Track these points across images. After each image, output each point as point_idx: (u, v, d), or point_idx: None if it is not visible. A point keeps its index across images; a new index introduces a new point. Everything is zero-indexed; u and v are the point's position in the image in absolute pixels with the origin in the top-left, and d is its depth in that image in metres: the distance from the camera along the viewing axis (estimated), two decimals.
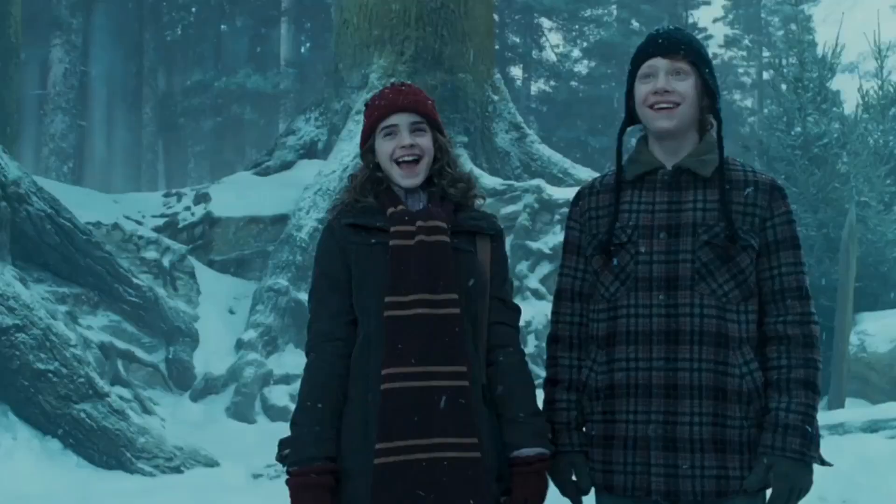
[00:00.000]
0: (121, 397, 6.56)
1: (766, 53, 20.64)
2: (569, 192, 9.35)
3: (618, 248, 2.08)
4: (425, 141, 2.11)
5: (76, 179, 13.61)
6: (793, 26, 21.46)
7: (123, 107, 14.38)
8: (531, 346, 8.40)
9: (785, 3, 21.64)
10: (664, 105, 2.05)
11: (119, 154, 14.74)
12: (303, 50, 17.65)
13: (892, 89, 13.63)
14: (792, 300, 2.05)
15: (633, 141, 2.25)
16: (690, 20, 14.96)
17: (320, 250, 2.12)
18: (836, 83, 11.58)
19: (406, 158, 2.09)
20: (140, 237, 8.26)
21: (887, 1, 27.50)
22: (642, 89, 2.09)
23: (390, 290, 2.00)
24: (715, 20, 21.24)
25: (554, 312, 2.19)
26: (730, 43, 21.77)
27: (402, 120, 2.09)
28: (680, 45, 2.08)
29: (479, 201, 2.18)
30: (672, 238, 2.05)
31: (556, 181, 10.05)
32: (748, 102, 20.73)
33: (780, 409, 2.01)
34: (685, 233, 2.04)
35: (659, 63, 2.07)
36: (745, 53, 22.14)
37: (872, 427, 4.76)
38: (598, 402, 2.08)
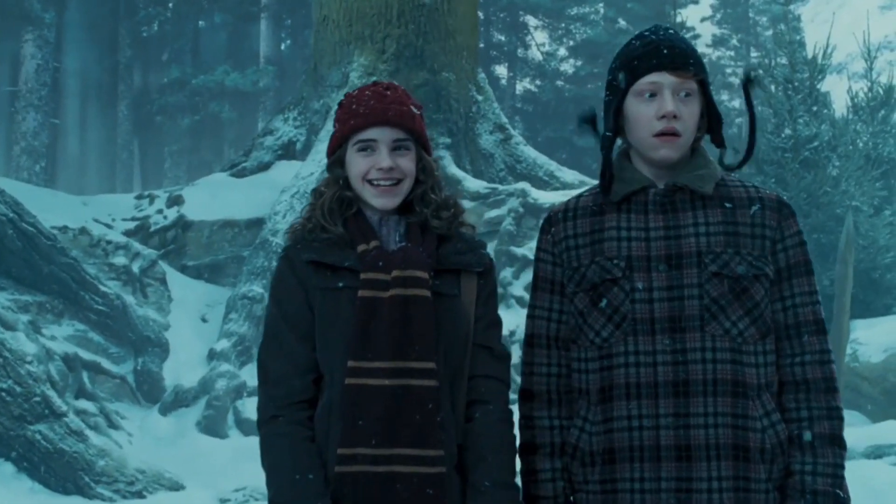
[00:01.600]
0: (85, 412, 6.35)
1: (754, 54, 20.53)
2: (555, 197, 9.16)
3: (608, 285, 1.79)
4: (407, 162, 1.80)
5: (49, 179, 13.28)
6: (782, 26, 21.44)
7: (98, 104, 14.03)
8: (516, 355, 8.17)
9: (773, 2, 21.56)
10: (671, 133, 1.76)
11: (93, 153, 14.38)
12: (283, 47, 17.43)
13: (881, 91, 13.54)
14: (809, 336, 1.80)
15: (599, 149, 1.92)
16: (679, 19, 14.76)
17: (279, 287, 1.78)
18: (824, 85, 11.47)
19: (382, 183, 1.78)
20: (108, 242, 7.95)
21: (875, 1, 27.57)
22: (643, 110, 1.78)
23: (353, 353, 1.68)
24: (703, 19, 21.12)
25: (526, 363, 1.87)
26: (717, 43, 21.66)
27: (383, 136, 1.78)
28: (688, 57, 1.77)
29: (465, 229, 1.86)
30: (674, 270, 1.77)
31: (542, 184, 9.85)
32: (736, 103, 20.63)
33: (805, 473, 1.74)
34: (689, 263, 1.77)
35: (664, 80, 1.76)
36: (732, 53, 22.03)
37: (876, 453, 4.53)
38: (595, 468, 1.78)
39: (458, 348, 1.76)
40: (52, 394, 5.38)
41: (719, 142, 1.87)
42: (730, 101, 20.30)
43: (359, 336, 1.68)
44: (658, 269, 1.76)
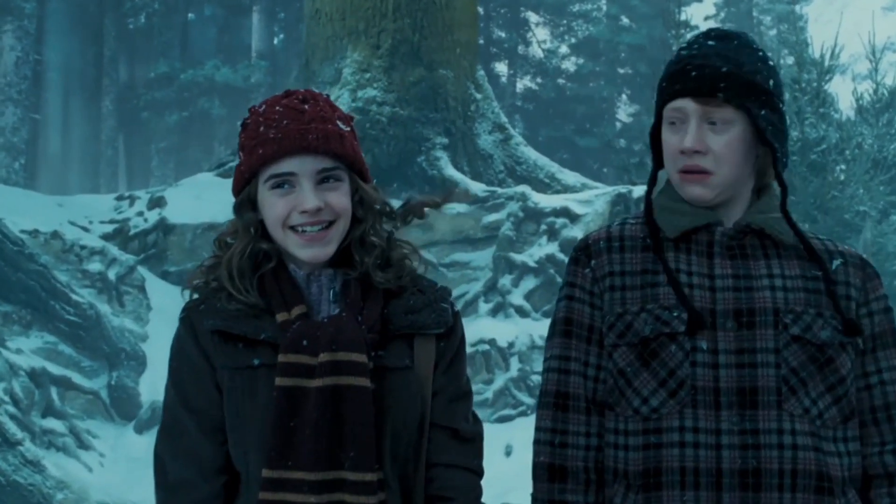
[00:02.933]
0: (53, 431, 6.06)
1: None
2: (556, 200, 8.85)
3: (664, 341, 1.47)
4: (338, 197, 1.40)
5: (28, 177, 12.92)
6: (783, 26, 21.21)
7: (81, 99, 13.63)
8: (514, 369, 7.85)
9: (777, 2, 21.27)
10: (696, 171, 1.48)
11: (76, 150, 13.97)
12: (275, 41, 17.17)
13: (886, 93, 13.28)
14: None
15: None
16: (683, 17, 14.39)
17: (178, 362, 1.39)
18: (829, 86, 11.25)
19: (309, 229, 1.38)
20: (83, 247, 7.58)
21: (879, 1, 27.27)
22: (669, 140, 1.50)
23: (269, 461, 1.28)
24: (706, 18, 20.83)
25: (554, 430, 1.52)
26: None
27: (303, 167, 1.38)
28: (718, 81, 1.45)
29: (421, 268, 1.48)
30: (745, 330, 1.46)
31: (543, 187, 9.55)
32: None
33: None
34: (763, 322, 1.46)
35: (688, 108, 1.47)
36: None
37: None
38: None
39: (411, 436, 1.37)
40: (4, 419, 4.95)
41: (781, 181, 1.51)
42: None
43: (277, 438, 1.30)
44: (726, 326, 1.46)
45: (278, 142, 1.36)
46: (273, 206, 1.38)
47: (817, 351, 1.45)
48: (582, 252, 1.55)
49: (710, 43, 1.50)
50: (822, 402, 1.45)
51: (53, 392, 6.40)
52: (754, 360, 1.44)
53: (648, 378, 1.47)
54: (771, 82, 1.47)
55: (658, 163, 1.56)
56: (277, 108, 1.39)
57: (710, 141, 1.46)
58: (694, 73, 1.46)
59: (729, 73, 1.44)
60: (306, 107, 1.39)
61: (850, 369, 1.48)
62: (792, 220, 1.50)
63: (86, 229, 8.06)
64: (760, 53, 1.49)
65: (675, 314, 1.46)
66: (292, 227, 1.38)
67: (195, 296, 1.41)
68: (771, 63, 1.49)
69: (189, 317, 1.39)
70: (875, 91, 13.00)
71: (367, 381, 1.34)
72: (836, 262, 1.52)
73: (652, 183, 1.57)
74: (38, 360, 6.49)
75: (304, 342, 1.33)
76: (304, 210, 1.36)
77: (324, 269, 1.41)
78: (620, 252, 1.53)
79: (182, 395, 1.37)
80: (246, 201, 1.41)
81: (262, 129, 1.38)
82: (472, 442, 1.47)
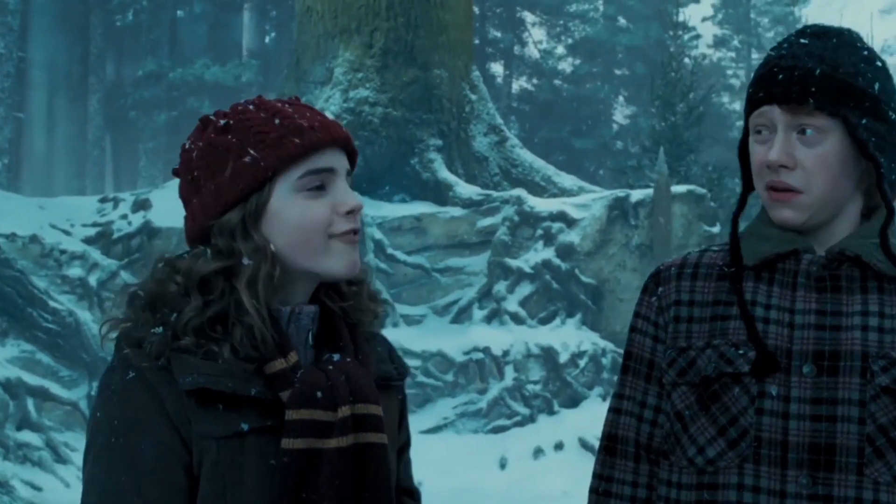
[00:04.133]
0: (28, 445, 5.88)
1: (755, 55, 20.24)
2: (552, 204, 8.68)
3: (727, 383, 1.26)
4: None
5: (12, 178, 12.67)
6: (781, 28, 21.14)
7: (67, 98, 13.37)
8: (509, 378, 7.65)
9: (775, 4, 21.18)
10: (783, 188, 1.27)
11: (61, 150, 13.72)
12: (267, 40, 16.98)
13: None
14: None
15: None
16: (681, 18, 14.24)
17: (125, 436, 1.07)
18: None
19: (354, 236, 1.16)
20: (63, 251, 7.36)
21: (877, 4, 27.25)
22: (755, 152, 1.30)
23: None
24: (704, 19, 20.75)
25: (598, 476, 1.36)
26: (719, 43, 21.33)
27: (340, 163, 1.16)
28: (809, 85, 1.25)
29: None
30: (825, 376, 1.24)
31: (539, 190, 9.38)
32: (737, 106, 20.25)
33: None
34: (848, 368, 1.24)
35: (775, 116, 1.27)
36: (734, 55, 21.72)
37: None
38: None
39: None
40: None
41: (886, 199, 1.28)
42: (730, 104, 19.94)
43: None
44: (802, 370, 1.24)
45: (318, 130, 1.13)
46: (309, 210, 1.13)
47: None
48: (652, 279, 1.38)
49: (803, 41, 1.28)
50: None
51: (30, 403, 6.22)
52: (834, 413, 1.22)
53: (707, 424, 1.26)
54: (877, 86, 1.25)
55: (747, 182, 1.36)
56: (276, 103, 1.16)
57: (799, 154, 1.25)
58: (781, 77, 1.25)
59: (822, 75, 1.24)
60: (307, 108, 1.19)
61: None
62: (888, 246, 1.27)
63: (67, 232, 7.84)
64: (865, 53, 1.27)
65: (741, 352, 1.25)
66: (330, 236, 1.14)
67: (135, 346, 1.09)
68: (879, 64, 1.28)
69: (144, 377, 1.07)
70: None
71: (386, 438, 1.15)
72: None
73: (741, 205, 1.37)
74: (13, 370, 6.31)
75: (319, 394, 1.10)
76: (351, 210, 1.14)
77: (304, 304, 1.17)
78: (692, 280, 1.34)
79: (133, 486, 1.05)
80: (251, 217, 1.12)
81: (277, 120, 1.13)
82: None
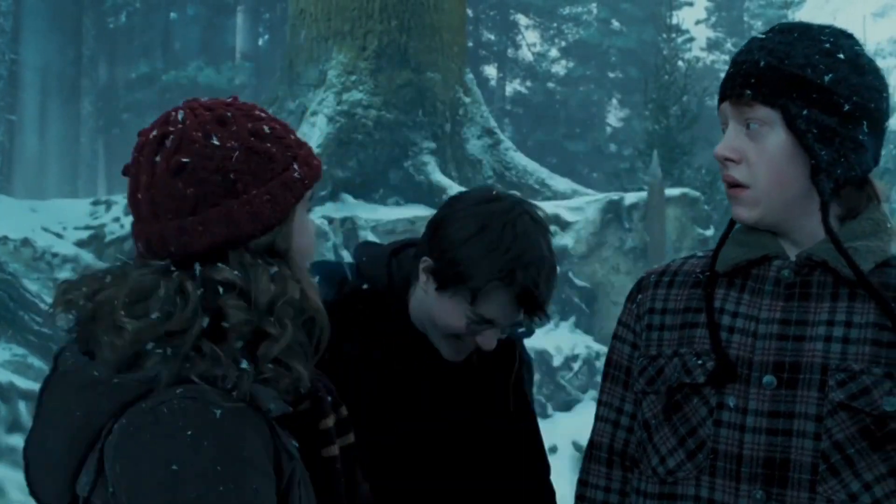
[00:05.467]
0: (20, 448, 5.76)
1: None
2: (546, 207, 8.61)
3: (688, 393, 1.24)
4: None
5: (4, 180, 12.59)
6: None
7: (59, 100, 13.28)
8: None
9: (768, 7, 21.21)
10: (732, 184, 1.25)
11: (54, 153, 13.62)
12: (260, 42, 16.92)
13: None
14: None
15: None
16: (674, 21, 14.24)
17: (248, 474, 0.97)
18: None
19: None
20: (55, 254, 7.31)
21: (869, 7, 27.32)
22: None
23: None
24: (697, 22, 20.74)
25: (580, 481, 1.39)
26: (712, 46, 21.31)
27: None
28: (750, 77, 1.22)
29: None
30: (784, 388, 1.19)
31: (533, 193, 9.35)
32: None
33: None
34: (807, 381, 1.18)
35: (726, 111, 1.25)
36: (727, 58, 21.70)
37: None
38: None
39: None
40: None
41: (821, 194, 1.21)
42: None
43: None
44: (762, 381, 1.19)
45: (318, 160, 1.12)
46: (310, 229, 1.12)
47: (876, 423, 1.16)
48: (635, 286, 1.37)
49: (763, 36, 1.25)
50: (881, 489, 1.16)
51: (21, 407, 6.13)
52: (790, 427, 1.17)
53: (668, 434, 1.25)
54: (828, 77, 1.19)
55: None
56: (266, 112, 1.12)
57: (745, 147, 1.22)
58: (731, 72, 1.23)
59: (766, 67, 1.20)
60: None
61: None
62: (843, 249, 1.19)
63: (59, 235, 7.79)
64: (827, 46, 1.21)
65: (700, 362, 1.23)
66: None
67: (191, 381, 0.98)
68: (841, 56, 1.21)
69: (239, 411, 0.97)
70: None
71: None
72: None
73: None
74: (5, 374, 6.21)
75: (329, 399, 1.15)
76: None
77: None
78: (668, 287, 1.32)
79: None
80: (284, 238, 1.08)
81: (292, 136, 1.11)
82: None
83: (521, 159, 9.93)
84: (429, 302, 1.40)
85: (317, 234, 1.17)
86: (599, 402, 1.38)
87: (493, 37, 17.75)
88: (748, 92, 1.20)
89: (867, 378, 1.16)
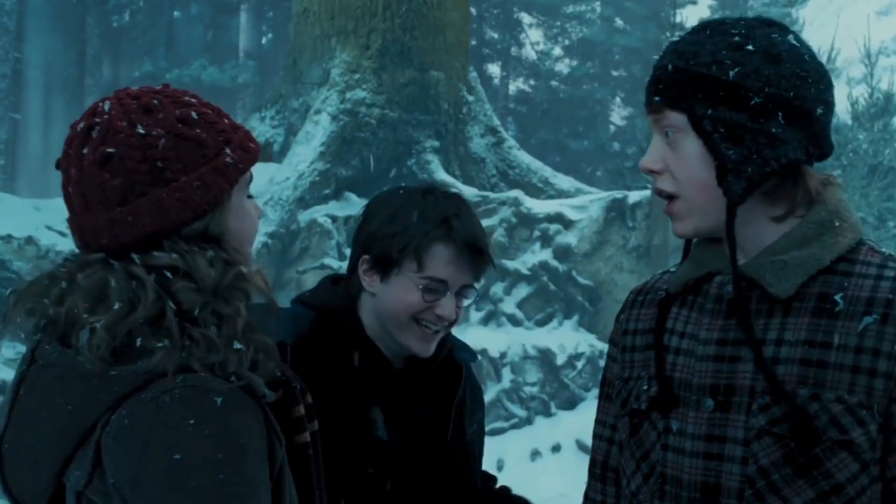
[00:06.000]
0: None
1: None
2: (550, 206, 8.66)
3: (641, 419, 1.25)
4: None
5: (8, 179, 12.59)
6: None
7: (63, 99, 13.27)
8: (506, 380, 7.62)
9: (772, 5, 21.16)
10: (659, 194, 1.22)
11: (57, 151, 13.31)
12: (264, 41, 16.89)
13: (881, 97, 13.20)
14: None
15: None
16: (678, 19, 14.21)
17: (245, 458, 0.99)
18: None
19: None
20: (59, 253, 7.29)
21: (873, 6, 27.24)
22: None
23: None
24: (701, 21, 20.67)
25: (584, 494, 1.43)
26: None
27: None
28: (659, 83, 1.18)
29: None
30: (720, 412, 1.17)
31: (536, 192, 9.37)
32: None
33: None
34: (738, 405, 1.16)
35: (650, 124, 1.22)
36: None
37: None
38: None
39: None
40: None
41: (729, 195, 1.15)
42: None
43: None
44: (700, 405, 1.18)
45: (256, 143, 1.12)
46: (250, 213, 1.13)
47: (798, 447, 1.11)
48: (622, 304, 1.37)
49: (676, 39, 1.21)
50: None
51: None
52: (722, 452, 1.15)
53: (629, 457, 1.26)
54: (733, 72, 1.12)
55: None
56: (197, 97, 1.12)
57: (667, 156, 1.18)
58: (648, 79, 1.20)
59: (674, 70, 1.15)
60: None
61: (853, 475, 1.11)
62: (735, 263, 1.14)
63: (63, 234, 7.79)
64: (736, 39, 1.14)
65: (645, 387, 1.23)
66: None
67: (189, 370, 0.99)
68: (751, 48, 1.14)
69: (237, 397, 0.99)
70: (870, 96, 12.90)
71: None
72: (869, 319, 1.11)
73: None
74: (8, 372, 6.24)
75: (297, 386, 1.17)
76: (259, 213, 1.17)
77: None
78: (640, 307, 1.31)
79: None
80: (222, 218, 1.10)
81: (226, 120, 1.11)
82: None
83: (524, 157, 9.94)
84: (379, 301, 1.43)
85: (258, 218, 1.17)
86: (595, 420, 1.38)
87: (496, 35, 17.73)
88: (657, 98, 1.17)
89: (794, 400, 1.12)
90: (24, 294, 1.06)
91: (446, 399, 1.50)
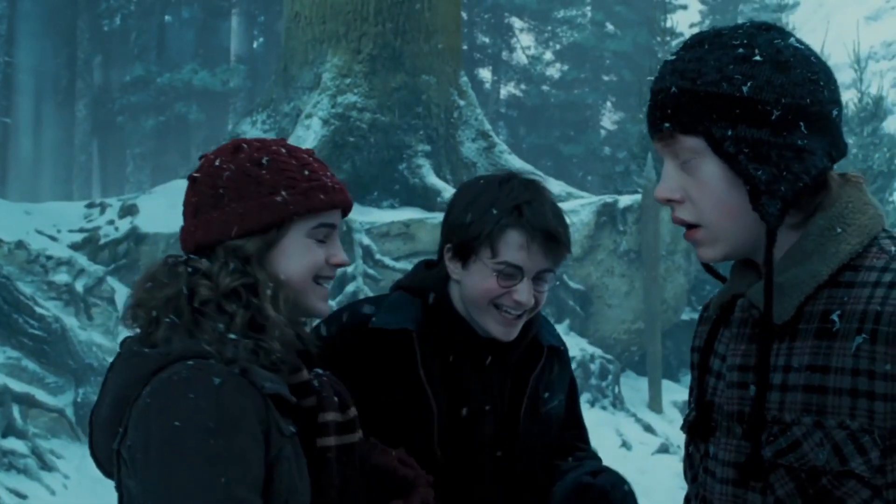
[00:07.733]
0: (14, 452, 5.79)
1: None
2: None
3: (691, 438, 1.25)
4: None
5: None
6: None
7: (54, 103, 13.24)
8: None
9: (762, 10, 21.27)
10: (680, 224, 1.16)
11: (48, 155, 13.54)
12: (255, 45, 16.87)
13: (870, 102, 13.26)
14: None
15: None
16: (668, 24, 14.28)
17: (234, 431, 1.18)
18: None
19: (327, 284, 1.46)
20: (49, 257, 7.28)
21: (862, 11, 27.44)
22: None
23: None
24: (691, 25, 20.75)
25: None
26: None
27: (339, 223, 1.42)
28: (667, 108, 1.10)
29: None
30: (746, 440, 1.14)
31: None
32: None
33: None
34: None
35: (660, 150, 1.14)
36: None
37: None
38: None
39: None
40: None
41: (767, 220, 1.08)
42: None
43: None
44: (731, 431, 1.15)
45: (338, 192, 1.33)
46: (310, 254, 1.32)
47: (810, 479, 1.06)
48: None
49: (672, 57, 1.12)
50: None
51: (15, 410, 6.10)
52: (746, 482, 1.13)
53: (688, 479, 1.26)
54: (747, 87, 1.04)
55: None
56: (303, 154, 1.34)
57: (685, 184, 1.11)
58: (649, 104, 1.12)
59: (680, 92, 1.07)
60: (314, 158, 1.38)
61: (866, 500, 1.04)
62: (770, 283, 1.07)
63: (53, 238, 7.77)
64: (741, 51, 1.06)
65: (689, 410, 1.26)
66: (316, 279, 1.34)
67: (200, 356, 1.21)
68: (759, 58, 1.06)
69: (236, 381, 1.18)
70: (860, 100, 12.97)
71: None
72: (860, 339, 1.04)
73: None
74: None
75: (336, 399, 1.33)
76: (339, 264, 1.35)
77: None
78: (700, 323, 1.28)
79: (235, 481, 1.14)
80: (268, 246, 1.29)
81: (307, 172, 1.31)
82: None
83: (515, 162, 9.93)
84: (462, 287, 1.52)
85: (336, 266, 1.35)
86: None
87: (487, 40, 17.76)
88: (667, 125, 1.09)
89: (798, 430, 1.07)
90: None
91: (524, 376, 1.58)
